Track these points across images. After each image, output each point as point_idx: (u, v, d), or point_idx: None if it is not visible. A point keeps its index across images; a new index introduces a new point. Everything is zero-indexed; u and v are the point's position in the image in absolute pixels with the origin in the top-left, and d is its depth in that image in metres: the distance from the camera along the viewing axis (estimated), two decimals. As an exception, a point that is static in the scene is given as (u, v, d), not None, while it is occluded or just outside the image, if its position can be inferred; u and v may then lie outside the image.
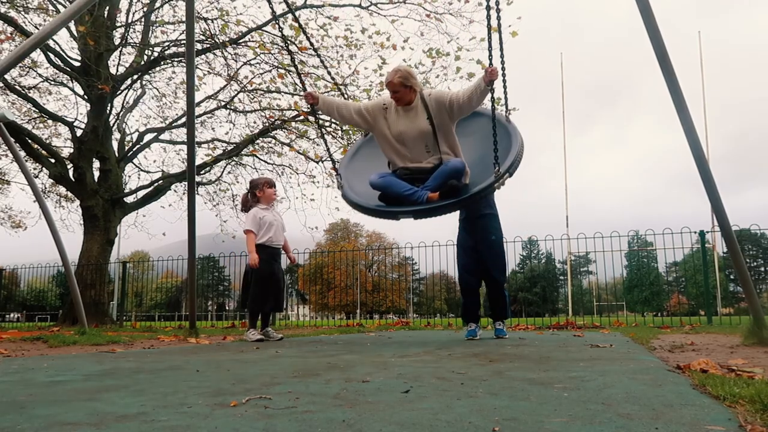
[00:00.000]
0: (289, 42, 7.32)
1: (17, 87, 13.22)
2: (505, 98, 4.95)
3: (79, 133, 13.41)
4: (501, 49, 4.50)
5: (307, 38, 5.89)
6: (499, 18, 4.37)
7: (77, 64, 12.94)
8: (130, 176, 15.44)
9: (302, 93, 5.76)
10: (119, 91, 13.78)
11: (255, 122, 13.86)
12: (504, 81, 4.62)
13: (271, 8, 5.23)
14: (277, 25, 5.67)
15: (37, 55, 12.70)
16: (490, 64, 4.19)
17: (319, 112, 5.63)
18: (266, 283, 5.79)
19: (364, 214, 4.88)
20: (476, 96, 4.33)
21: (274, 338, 5.81)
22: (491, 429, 1.28)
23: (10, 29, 11.57)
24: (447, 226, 15.49)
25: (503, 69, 4.50)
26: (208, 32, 11.60)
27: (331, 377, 2.30)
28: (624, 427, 1.28)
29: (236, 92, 13.37)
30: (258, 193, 5.93)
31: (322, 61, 6.57)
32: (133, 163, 15.24)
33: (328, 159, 5.88)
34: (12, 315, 26.29)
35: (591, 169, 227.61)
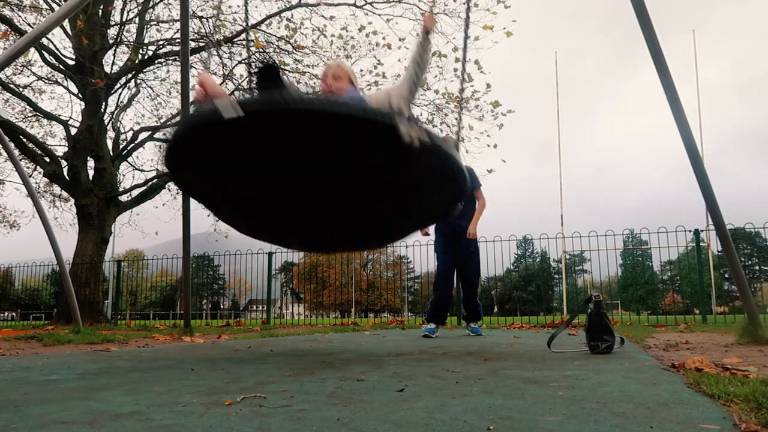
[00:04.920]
0: (285, 41, 7.30)
1: (11, 85, 13.16)
2: (458, 125, 5.06)
3: (73, 131, 13.37)
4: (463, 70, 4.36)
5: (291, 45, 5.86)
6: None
7: (72, 62, 12.89)
8: (124, 175, 15.43)
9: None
10: (114, 90, 13.72)
11: None
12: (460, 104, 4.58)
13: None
14: (271, 23, 5.68)
15: (32, 54, 12.66)
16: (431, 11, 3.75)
17: None
18: None
19: None
20: (416, 77, 3.54)
21: None
22: (486, 428, 1.28)
23: (4, 27, 11.51)
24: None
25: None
26: (202, 30, 11.57)
27: (325, 376, 2.30)
28: (619, 426, 1.28)
29: (230, 91, 13.35)
30: None
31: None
32: (127, 161, 15.20)
33: None
34: (6, 314, 26.18)
35: (587, 166, 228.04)
